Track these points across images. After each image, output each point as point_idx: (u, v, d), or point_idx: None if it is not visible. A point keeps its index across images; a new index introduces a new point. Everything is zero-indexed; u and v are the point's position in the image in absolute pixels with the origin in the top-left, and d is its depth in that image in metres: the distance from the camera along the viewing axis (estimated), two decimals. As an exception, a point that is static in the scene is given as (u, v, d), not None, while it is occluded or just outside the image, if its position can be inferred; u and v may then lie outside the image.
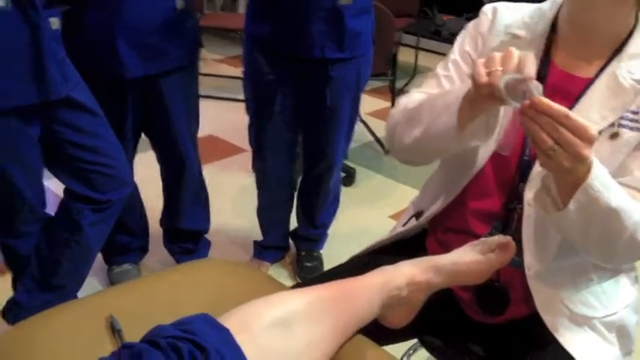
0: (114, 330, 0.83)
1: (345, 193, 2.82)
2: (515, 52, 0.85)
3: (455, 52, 1.16)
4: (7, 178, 1.49)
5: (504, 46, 1.08)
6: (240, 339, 0.71)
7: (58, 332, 0.85)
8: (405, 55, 4.39)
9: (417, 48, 4.30)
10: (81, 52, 1.58)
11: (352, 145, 3.31)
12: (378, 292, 0.89)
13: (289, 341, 0.76)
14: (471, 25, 1.16)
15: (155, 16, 1.69)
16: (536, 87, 0.80)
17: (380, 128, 3.39)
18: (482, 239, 0.99)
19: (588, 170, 0.85)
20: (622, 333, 1.09)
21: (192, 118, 2.00)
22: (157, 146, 1.99)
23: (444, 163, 1.23)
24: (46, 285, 1.68)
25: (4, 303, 1.77)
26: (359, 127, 3.47)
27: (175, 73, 1.79)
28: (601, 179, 0.86)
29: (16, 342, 0.83)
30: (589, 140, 0.79)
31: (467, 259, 0.96)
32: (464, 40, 1.16)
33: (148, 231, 2.21)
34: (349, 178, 2.94)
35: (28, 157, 1.51)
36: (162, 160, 2.03)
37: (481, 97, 0.90)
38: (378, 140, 3.39)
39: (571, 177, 0.85)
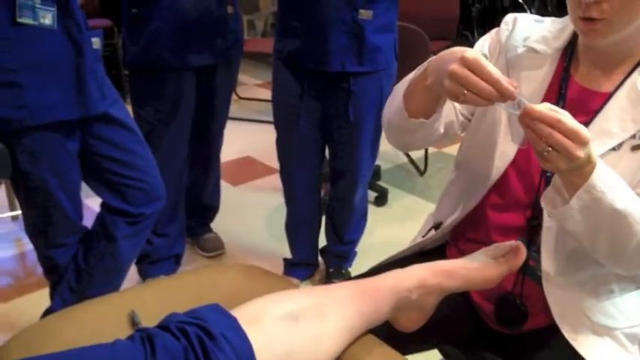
0: (134, 324, 0.87)
1: (377, 212, 2.85)
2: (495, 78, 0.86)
3: None
4: (47, 190, 1.56)
5: (521, 58, 1.10)
6: (248, 328, 0.74)
7: (83, 325, 0.89)
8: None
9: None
10: (159, 44, 1.94)
11: (386, 165, 3.34)
12: (388, 294, 0.90)
13: (295, 334, 0.78)
14: (494, 31, 1.18)
15: (212, 18, 2.00)
16: (525, 98, 0.85)
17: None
18: (495, 244, 1.00)
19: (592, 171, 0.86)
20: (645, 346, 1.07)
21: (228, 103, 2.31)
22: (195, 125, 2.19)
23: (458, 174, 1.24)
24: (81, 295, 1.73)
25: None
26: (393, 148, 3.50)
27: (225, 65, 2.14)
28: (605, 180, 0.87)
29: (42, 334, 0.88)
30: (581, 142, 0.82)
31: (478, 263, 0.96)
32: (484, 44, 1.17)
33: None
34: (382, 198, 2.95)
35: (67, 170, 1.58)
36: (196, 138, 2.23)
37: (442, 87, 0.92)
38: (412, 161, 3.40)
39: (576, 177, 0.87)
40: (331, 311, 0.83)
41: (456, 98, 0.89)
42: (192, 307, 0.86)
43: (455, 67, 0.86)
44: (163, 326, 0.73)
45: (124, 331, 0.86)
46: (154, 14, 1.91)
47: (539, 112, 0.82)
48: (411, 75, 1.07)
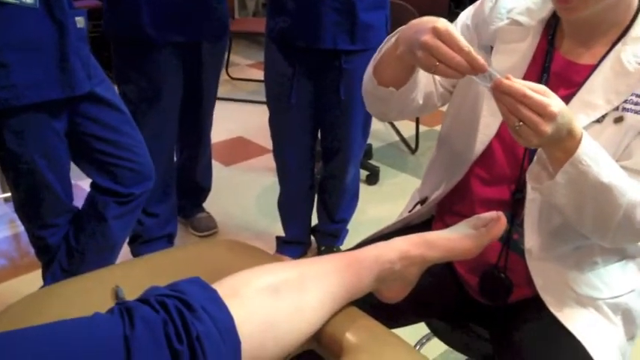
0: (118, 298, 0.88)
1: (368, 191, 2.85)
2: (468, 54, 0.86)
3: (457, 24, 1.18)
4: (36, 171, 1.56)
5: (504, 31, 1.10)
6: (229, 301, 0.74)
7: (68, 300, 0.90)
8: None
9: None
10: (137, 17, 1.90)
11: (378, 144, 3.34)
12: (371, 266, 0.91)
13: (276, 306, 0.79)
14: (478, 2, 1.17)
15: None
16: (496, 70, 0.86)
17: (406, 128, 3.40)
18: (476, 216, 1.01)
19: (578, 144, 0.86)
20: (627, 317, 1.08)
21: (216, 84, 2.29)
22: (184, 106, 2.18)
23: (442, 148, 1.24)
24: (72, 275, 1.74)
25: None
26: (385, 126, 3.50)
27: (209, 43, 2.10)
28: (590, 154, 0.87)
29: (28, 309, 0.89)
30: (548, 117, 0.82)
31: (459, 234, 0.97)
32: (469, 14, 1.18)
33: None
34: (373, 177, 2.96)
35: (55, 151, 1.58)
36: (185, 119, 2.22)
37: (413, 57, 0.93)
38: (403, 140, 3.40)
39: (558, 151, 0.87)
40: (313, 283, 0.84)
41: (428, 69, 0.90)
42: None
43: (427, 37, 0.87)
44: (143, 299, 0.73)
45: (108, 306, 0.86)
46: None
47: (508, 85, 0.82)
48: (383, 44, 1.08)
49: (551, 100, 0.82)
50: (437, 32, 0.87)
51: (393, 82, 1.06)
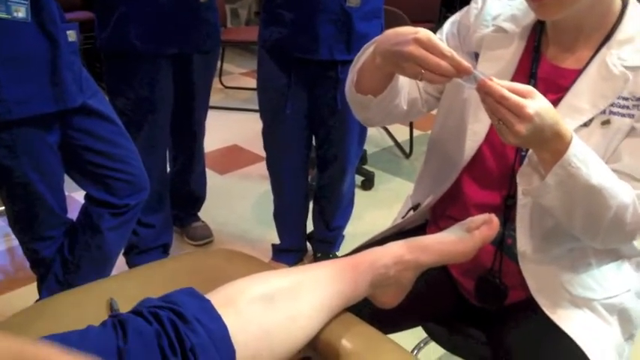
0: (112, 310, 0.88)
1: (363, 196, 2.85)
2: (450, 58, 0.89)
3: (442, 32, 1.19)
4: (29, 185, 1.55)
5: (490, 38, 1.11)
6: (223, 311, 0.74)
7: (62, 314, 0.90)
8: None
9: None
10: (127, 30, 1.90)
11: (372, 149, 3.35)
12: (365, 271, 0.91)
13: (270, 314, 0.79)
14: (464, 10, 1.18)
15: (181, 6, 1.95)
16: (481, 72, 0.88)
17: (400, 133, 3.41)
18: (470, 218, 1.01)
19: (567, 146, 0.87)
20: (624, 316, 1.09)
21: (207, 94, 2.28)
22: (176, 117, 2.18)
23: (430, 155, 1.25)
24: (68, 287, 1.73)
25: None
26: (379, 131, 3.51)
27: (200, 54, 2.09)
28: (580, 156, 0.88)
29: (22, 322, 0.89)
30: (524, 118, 0.84)
31: (453, 237, 0.97)
32: (453, 23, 1.18)
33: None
34: (368, 182, 2.96)
35: (48, 164, 1.57)
36: (177, 129, 2.23)
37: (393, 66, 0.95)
38: (398, 145, 3.41)
39: (544, 152, 0.89)
40: (307, 290, 0.84)
41: (415, 77, 0.93)
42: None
43: (411, 48, 0.89)
44: (136, 311, 0.73)
45: (102, 319, 0.86)
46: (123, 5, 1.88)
47: (489, 85, 0.85)
48: (361, 52, 1.11)
49: (528, 101, 0.84)
50: (420, 42, 0.89)
51: (371, 89, 1.08)
